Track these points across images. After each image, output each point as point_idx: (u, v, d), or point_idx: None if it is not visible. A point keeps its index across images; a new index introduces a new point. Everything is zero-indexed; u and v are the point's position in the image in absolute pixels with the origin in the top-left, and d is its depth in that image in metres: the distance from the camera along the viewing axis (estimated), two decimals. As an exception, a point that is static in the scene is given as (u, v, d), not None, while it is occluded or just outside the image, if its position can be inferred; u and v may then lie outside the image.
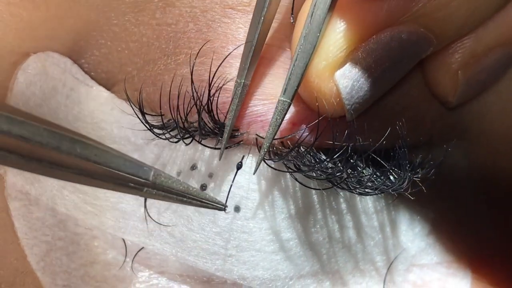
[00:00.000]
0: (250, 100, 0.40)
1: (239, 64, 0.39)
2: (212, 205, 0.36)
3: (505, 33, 0.39)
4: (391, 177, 0.40)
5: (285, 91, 0.36)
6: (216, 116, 0.40)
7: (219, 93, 0.40)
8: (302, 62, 0.35)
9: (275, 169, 0.40)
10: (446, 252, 0.45)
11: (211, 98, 0.39)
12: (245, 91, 0.39)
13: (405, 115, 0.41)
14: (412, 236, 0.45)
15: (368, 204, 0.43)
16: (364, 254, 0.44)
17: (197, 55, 0.40)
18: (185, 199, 0.35)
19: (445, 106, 0.42)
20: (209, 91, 0.39)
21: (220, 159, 0.41)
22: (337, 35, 0.36)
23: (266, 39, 0.40)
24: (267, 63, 0.40)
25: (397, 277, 0.44)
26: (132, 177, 0.33)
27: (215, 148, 0.41)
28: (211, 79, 0.39)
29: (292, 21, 0.40)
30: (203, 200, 0.36)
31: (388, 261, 0.44)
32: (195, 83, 0.40)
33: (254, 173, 0.39)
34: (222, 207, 0.37)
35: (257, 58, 0.39)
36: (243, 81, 0.38)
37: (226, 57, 0.40)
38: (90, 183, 0.33)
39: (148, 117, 0.41)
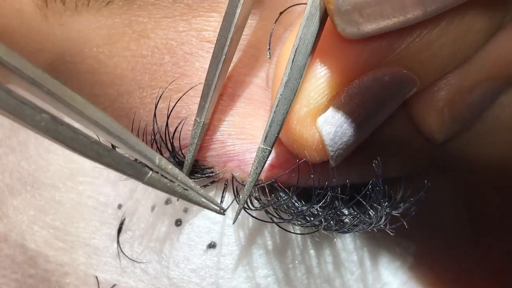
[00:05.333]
0: (228, 139, 0.39)
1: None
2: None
3: (490, 68, 0.38)
4: (370, 213, 0.39)
5: (265, 138, 0.34)
6: (178, 155, 0.39)
7: (180, 131, 0.39)
8: (283, 109, 0.34)
9: (256, 218, 0.39)
10: (430, 285, 0.44)
11: (172, 136, 0.39)
12: (205, 130, 0.38)
13: (387, 151, 0.40)
14: (394, 270, 0.44)
15: (347, 238, 0.42)
16: (343, 289, 0.43)
17: (166, 88, 0.39)
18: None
19: (431, 142, 0.41)
20: (167, 128, 0.39)
21: (177, 200, 0.40)
22: (318, 80, 0.35)
23: (245, 76, 0.38)
24: (247, 102, 0.39)
25: (377, 312, 0.44)
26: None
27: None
28: (168, 116, 0.39)
29: (268, 56, 0.38)
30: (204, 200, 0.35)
31: (368, 296, 0.43)
32: (172, 120, 0.38)
33: (233, 223, 0.38)
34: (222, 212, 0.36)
35: (217, 97, 0.38)
36: (202, 120, 0.37)
37: (184, 94, 0.39)
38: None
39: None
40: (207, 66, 0.38)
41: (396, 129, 0.41)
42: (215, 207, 0.35)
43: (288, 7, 0.38)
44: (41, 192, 0.42)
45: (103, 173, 0.41)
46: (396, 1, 0.30)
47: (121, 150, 0.33)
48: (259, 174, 0.35)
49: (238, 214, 0.37)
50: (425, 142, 0.42)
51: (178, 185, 0.34)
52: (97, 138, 0.31)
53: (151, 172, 0.33)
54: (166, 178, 0.34)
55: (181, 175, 0.34)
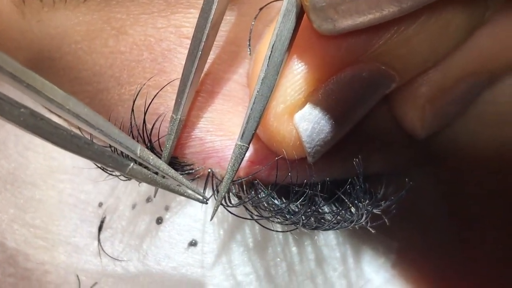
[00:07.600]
0: (207, 136, 0.38)
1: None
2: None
3: (472, 64, 0.38)
4: (352, 210, 0.39)
5: (242, 135, 0.34)
6: (156, 153, 0.39)
7: (159, 128, 0.39)
8: (260, 106, 0.34)
9: (235, 214, 0.39)
10: (413, 282, 0.44)
11: (150, 132, 0.39)
12: (181, 126, 0.38)
13: (370, 146, 0.40)
14: (377, 267, 0.44)
15: (330, 235, 0.42)
16: (326, 286, 0.42)
17: (142, 88, 0.39)
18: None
19: (413, 137, 0.41)
20: (145, 125, 0.39)
21: (154, 196, 0.40)
22: (295, 77, 0.34)
23: (224, 73, 0.38)
24: (225, 99, 0.39)
25: (360, 309, 0.43)
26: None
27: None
28: (145, 113, 0.39)
29: (249, 52, 0.38)
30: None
31: (351, 293, 0.43)
32: (150, 116, 0.39)
33: (211, 219, 0.38)
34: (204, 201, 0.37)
35: (193, 93, 0.38)
36: (179, 117, 0.37)
37: (160, 90, 0.39)
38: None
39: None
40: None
41: (378, 124, 0.40)
42: (198, 196, 0.35)
43: (268, 3, 0.38)
44: (21, 191, 0.42)
45: (83, 171, 0.41)
46: None
47: (102, 142, 0.33)
48: (236, 171, 0.35)
49: (215, 210, 0.36)
50: (408, 137, 0.42)
51: (160, 175, 0.34)
52: (78, 132, 0.31)
53: (132, 163, 0.33)
54: (147, 169, 0.33)
55: (163, 165, 0.34)
